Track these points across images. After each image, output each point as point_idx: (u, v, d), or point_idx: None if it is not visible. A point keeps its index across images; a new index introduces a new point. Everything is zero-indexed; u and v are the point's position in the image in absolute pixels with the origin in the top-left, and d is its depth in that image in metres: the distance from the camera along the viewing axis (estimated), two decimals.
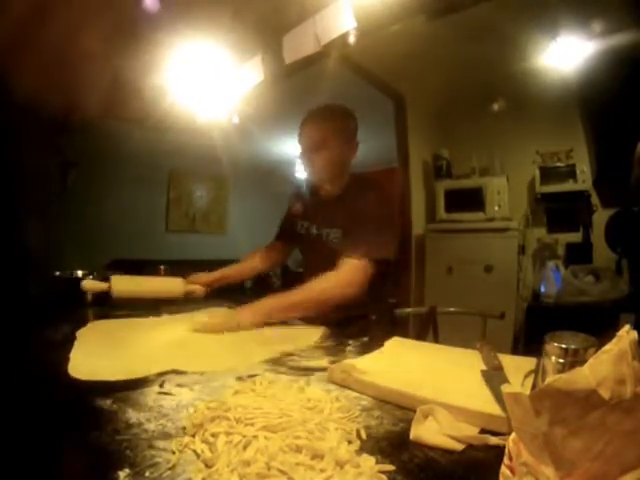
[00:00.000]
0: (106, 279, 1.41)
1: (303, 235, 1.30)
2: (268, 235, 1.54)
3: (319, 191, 1.29)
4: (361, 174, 1.29)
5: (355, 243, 1.08)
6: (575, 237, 2.57)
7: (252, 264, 1.47)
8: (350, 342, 0.88)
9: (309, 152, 1.17)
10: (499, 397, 0.48)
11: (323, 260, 1.16)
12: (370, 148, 4.06)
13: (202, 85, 1.77)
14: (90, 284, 1.15)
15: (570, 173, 2.50)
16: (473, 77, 2.59)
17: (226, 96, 1.81)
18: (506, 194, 2.67)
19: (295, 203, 1.37)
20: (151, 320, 1.08)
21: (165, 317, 1.12)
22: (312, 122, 1.18)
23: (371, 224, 1.10)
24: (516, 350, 2.32)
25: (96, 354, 0.75)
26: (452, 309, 1.74)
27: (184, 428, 0.45)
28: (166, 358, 0.73)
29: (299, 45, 1.39)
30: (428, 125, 3.11)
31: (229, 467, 0.37)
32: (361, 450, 0.41)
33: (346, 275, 1.05)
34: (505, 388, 0.29)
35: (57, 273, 1.41)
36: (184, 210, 4.47)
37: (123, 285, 1.17)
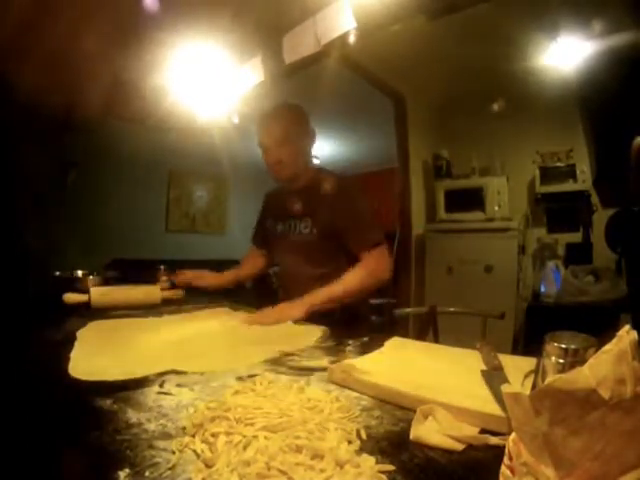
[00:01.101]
0: (107, 279, 1.43)
1: (271, 234, 1.36)
2: None
3: (286, 188, 1.32)
4: (322, 168, 1.35)
5: (364, 234, 1.16)
6: (575, 237, 2.57)
7: (255, 264, 1.53)
8: (350, 342, 0.88)
9: (273, 150, 1.21)
10: (499, 397, 0.48)
11: (291, 255, 1.26)
12: (370, 148, 4.07)
13: (202, 85, 1.77)
14: (70, 297, 1.24)
15: (570, 173, 2.50)
16: (473, 77, 2.60)
17: (226, 96, 1.81)
18: (506, 194, 2.67)
19: (266, 208, 1.45)
20: (151, 320, 1.08)
21: (165, 317, 1.12)
22: (271, 120, 1.24)
23: (364, 212, 1.19)
24: (516, 350, 2.32)
25: (96, 354, 0.75)
26: (452, 309, 1.74)
27: (184, 428, 0.45)
28: (166, 358, 0.73)
29: (299, 45, 1.39)
30: (428, 125, 3.11)
31: (229, 467, 0.37)
32: (361, 450, 0.41)
33: (374, 264, 1.14)
34: (505, 388, 0.29)
35: (57, 273, 1.41)
36: (184, 210, 4.47)
37: (101, 296, 1.25)
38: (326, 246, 1.20)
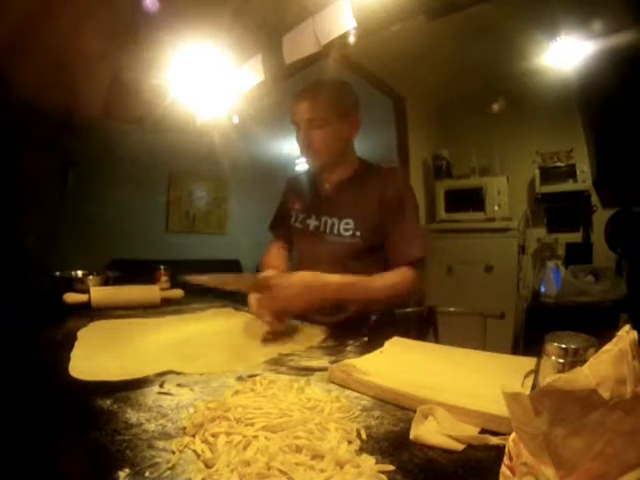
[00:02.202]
0: (107, 279, 1.43)
1: (299, 229, 1.18)
2: (268, 235, 1.53)
3: (320, 178, 1.17)
4: (372, 162, 1.18)
5: (409, 246, 1.02)
6: (575, 237, 2.57)
7: (282, 259, 1.26)
8: (350, 342, 0.87)
9: (306, 130, 1.06)
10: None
11: (321, 254, 1.08)
12: (370, 148, 4.07)
13: (202, 85, 1.77)
14: (70, 297, 1.23)
15: (570, 173, 2.50)
16: (473, 77, 2.60)
17: (226, 96, 1.81)
18: (506, 194, 2.67)
19: (290, 195, 1.26)
20: (153, 321, 1.08)
21: (167, 317, 1.12)
22: (307, 98, 1.08)
23: (412, 218, 1.05)
24: (516, 350, 2.32)
25: (97, 354, 0.75)
26: (452, 309, 1.74)
27: (184, 428, 0.45)
28: (166, 358, 0.73)
29: (299, 45, 1.39)
30: (428, 125, 3.11)
31: (229, 467, 0.37)
32: (361, 450, 0.41)
33: (411, 277, 1.01)
34: (505, 388, 0.29)
35: (57, 273, 1.41)
36: (184, 210, 4.47)
37: (101, 296, 1.24)
38: (367, 254, 1.05)
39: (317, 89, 1.09)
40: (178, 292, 1.44)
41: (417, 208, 1.09)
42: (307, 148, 1.08)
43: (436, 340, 1.61)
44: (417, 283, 1.03)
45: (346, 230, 1.07)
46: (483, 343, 1.68)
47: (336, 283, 0.92)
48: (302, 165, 3.97)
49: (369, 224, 1.06)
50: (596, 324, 0.58)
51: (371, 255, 1.07)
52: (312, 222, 1.14)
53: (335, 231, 1.09)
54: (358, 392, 0.59)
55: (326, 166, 1.12)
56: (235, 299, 1.35)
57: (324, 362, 0.73)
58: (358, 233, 1.06)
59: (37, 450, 0.42)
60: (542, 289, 2.41)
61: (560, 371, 0.31)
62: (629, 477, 0.26)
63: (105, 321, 1.04)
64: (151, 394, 0.56)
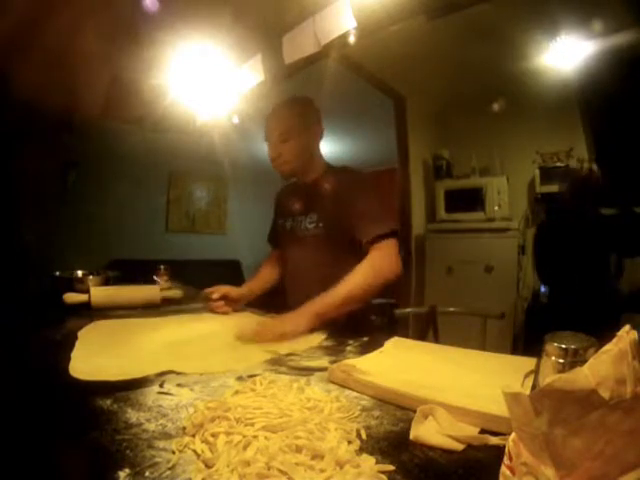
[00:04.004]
0: (107, 279, 1.43)
1: (281, 233, 1.30)
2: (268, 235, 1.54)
3: (297, 185, 1.28)
4: (337, 166, 1.27)
5: (371, 226, 1.07)
6: None
7: (270, 275, 1.39)
8: (350, 342, 0.88)
9: (276, 144, 1.18)
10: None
11: (298, 252, 1.20)
12: (370, 148, 4.07)
13: (202, 85, 1.77)
14: (70, 297, 1.24)
15: (570, 173, 2.50)
16: (473, 77, 2.60)
17: (226, 96, 1.81)
18: (506, 194, 2.67)
19: (277, 206, 1.39)
20: (153, 321, 1.08)
21: (167, 317, 1.12)
22: (274, 116, 1.21)
23: (372, 204, 1.11)
24: (516, 350, 2.32)
25: (97, 354, 0.75)
26: (452, 309, 1.74)
27: (184, 428, 0.45)
28: (166, 359, 0.73)
29: (299, 45, 1.39)
30: (428, 125, 3.11)
31: (229, 467, 0.37)
32: (361, 450, 0.41)
33: (380, 260, 1.04)
34: (505, 388, 0.29)
35: (57, 273, 1.41)
36: (184, 210, 4.47)
37: (101, 296, 1.25)
38: (334, 243, 1.13)
39: (283, 105, 1.22)
40: (178, 292, 1.44)
41: (377, 196, 1.16)
42: (276, 159, 1.19)
43: (436, 340, 1.61)
44: (390, 261, 1.06)
45: (310, 223, 1.18)
46: (483, 343, 1.68)
47: (312, 310, 0.97)
48: None
49: (329, 214, 1.14)
50: (596, 324, 0.58)
51: (335, 242, 1.14)
52: (288, 223, 1.26)
53: (303, 226, 1.20)
54: (358, 392, 0.59)
55: (295, 173, 1.23)
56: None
57: (324, 362, 0.73)
58: (321, 224, 1.16)
59: (37, 450, 0.42)
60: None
61: (560, 371, 0.31)
62: (629, 477, 0.26)
63: (105, 321, 1.04)
64: (151, 394, 0.56)
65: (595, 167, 1.88)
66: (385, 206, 1.17)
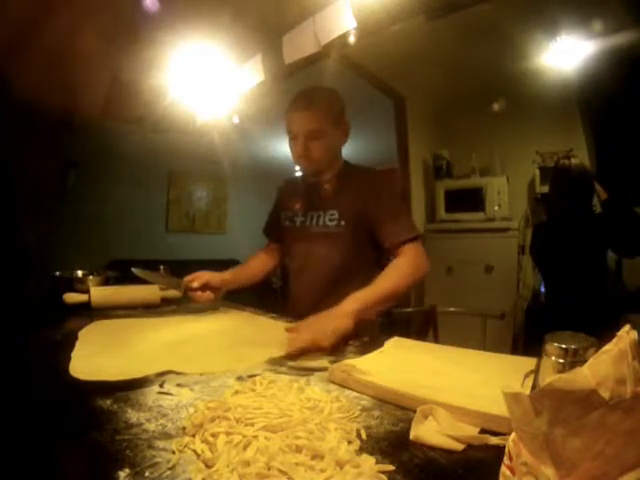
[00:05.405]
0: (107, 279, 1.43)
1: (287, 227, 1.25)
2: None
3: (309, 180, 1.23)
4: (354, 164, 1.25)
5: (401, 227, 1.07)
6: None
7: (263, 266, 1.35)
8: (350, 342, 0.87)
9: (304, 141, 1.10)
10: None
11: (313, 247, 1.15)
12: (370, 148, 4.07)
13: (202, 85, 1.77)
14: (70, 297, 1.23)
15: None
16: (473, 77, 2.60)
17: (226, 96, 1.81)
18: (506, 194, 2.67)
19: (281, 199, 1.32)
20: (153, 321, 1.08)
21: (167, 317, 1.12)
22: (304, 109, 1.10)
23: (398, 205, 1.12)
24: (516, 350, 2.32)
25: (97, 354, 0.75)
26: (452, 309, 1.75)
27: (184, 428, 0.45)
28: (166, 359, 0.73)
29: (299, 45, 1.39)
30: (428, 125, 3.11)
31: (229, 467, 0.37)
32: (361, 450, 0.41)
33: (415, 257, 1.05)
34: (505, 388, 0.29)
35: (57, 273, 1.41)
36: (184, 210, 4.47)
37: (101, 296, 1.24)
38: (356, 240, 1.10)
39: (312, 99, 1.12)
40: (178, 292, 1.43)
41: (400, 196, 1.17)
42: (305, 158, 1.12)
43: (436, 340, 1.61)
44: (424, 258, 1.08)
45: (331, 220, 1.13)
46: (483, 343, 1.68)
47: (352, 308, 0.89)
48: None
49: (353, 213, 1.11)
50: (596, 324, 0.58)
51: (360, 243, 1.11)
52: (299, 218, 1.20)
53: (320, 222, 1.15)
54: (358, 392, 0.59)
55: (320, 171, 1.18)
56: (235, 299, 1.36)
57: (324, 362, 0.73)
58: (343, 222, 1.11)
59: (37, 450, 0.42)
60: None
61: (560, 371, 0.31)
62: (629, 477, 0.26)
63: (105, 321, 1.04)
64: (151, 394, 0.56)
65: (575, 161, 1.86)
66: (407, 208, 1.17)
